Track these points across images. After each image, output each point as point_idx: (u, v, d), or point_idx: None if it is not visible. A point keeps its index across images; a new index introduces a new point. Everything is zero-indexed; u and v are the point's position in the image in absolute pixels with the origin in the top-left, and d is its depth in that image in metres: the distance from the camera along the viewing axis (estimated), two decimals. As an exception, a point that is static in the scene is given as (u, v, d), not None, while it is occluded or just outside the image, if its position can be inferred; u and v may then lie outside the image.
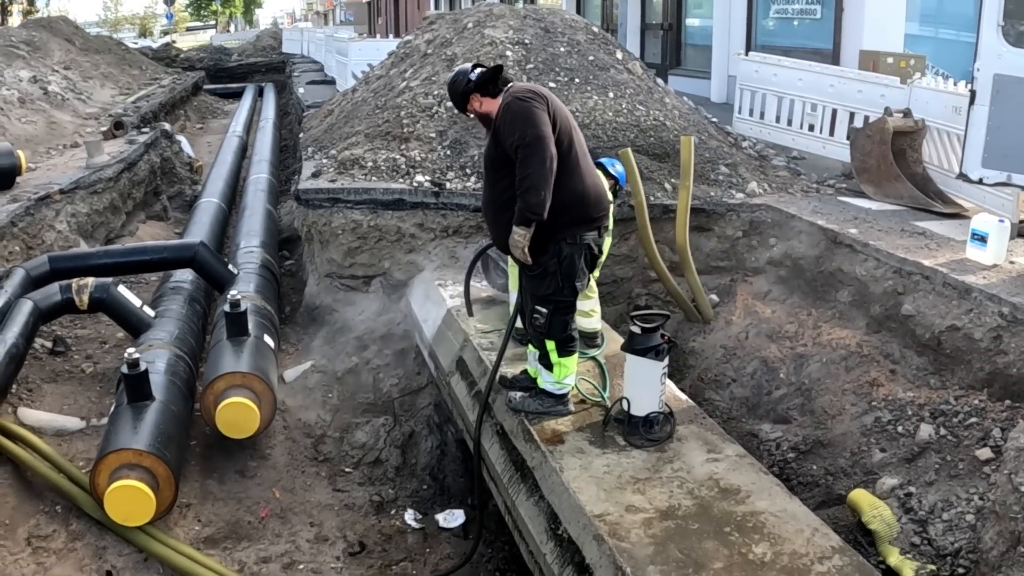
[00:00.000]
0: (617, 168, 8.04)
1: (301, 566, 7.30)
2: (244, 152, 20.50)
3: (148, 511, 6.63)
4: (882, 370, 7.98)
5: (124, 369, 7.18)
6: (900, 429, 7.25)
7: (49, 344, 9.66)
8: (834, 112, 12.92)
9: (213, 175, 17.67)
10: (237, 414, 7.64)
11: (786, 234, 9.89)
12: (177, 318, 9.27)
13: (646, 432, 6.22)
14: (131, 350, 7.37)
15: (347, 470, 8.68)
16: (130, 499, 6.55)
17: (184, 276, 10.48)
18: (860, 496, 6.68)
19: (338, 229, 10.45)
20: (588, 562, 5.15)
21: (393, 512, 8.29)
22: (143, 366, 7.21)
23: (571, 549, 5.37)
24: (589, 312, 7.73)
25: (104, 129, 17.69)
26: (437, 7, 40.87)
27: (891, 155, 10.59)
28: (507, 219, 5.91)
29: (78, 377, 8.96)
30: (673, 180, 10.52)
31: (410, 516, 8.23)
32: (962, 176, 9.14)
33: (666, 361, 6.23)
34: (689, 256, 9.59)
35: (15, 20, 40.16)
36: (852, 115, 12.45)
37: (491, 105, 6.03)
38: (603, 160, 7.99)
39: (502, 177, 5.93)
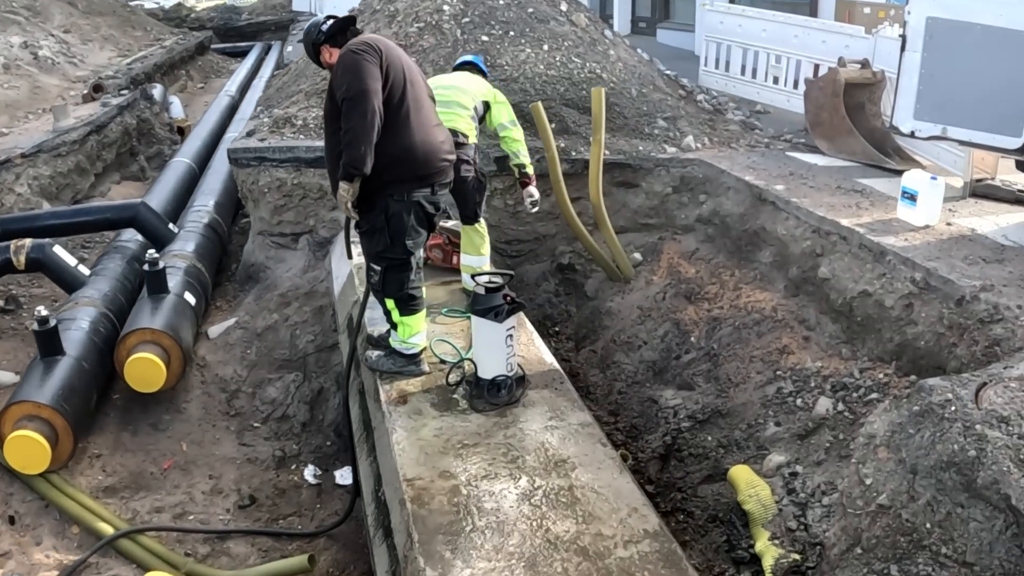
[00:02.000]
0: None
1: (191, 516, 7.25)
2: (233, 112, 19.82)
3: (44, 460, 6.72)
4: (795, 336, 7.20)
5: (34, 326, 7.29)
6: (799, 402, 6.50)
7: (2, 303, 9.77)
8: (799, 64, 12.01)
9: (192, 135, 17.04)
10: (143, 369, 7.59)
11: (716, 190, 9.08)
12: (113, 277, 9.19)
13: (490, 396, 5.69)
14: (40, 307, 7.49)
15: (255, 425, 8.43)
16: (27, 448, 6.65)
17: (130, 236, 10.38)
18: (739, 473, 5.97)
19: (265, 187, 9.99)
20: (392, 526, 4.90)
21: (294, 467, 8.01)
22: (52, 322, 7.32)
23: (383, 512, 5.15)
24: (477, 268, 7.01)
25: (84, 92, 17.11)
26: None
27: (843, 108, 9.66)
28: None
29: (22, 334, 8.92)
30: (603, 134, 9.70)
31: (309, 472, 7.93)
32: (893, 129, 8.23)
33: (509, 323, 5.61)
34: (604, 213, 8.79)
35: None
36: (816, 67, 11.53)
37: (328, 63, 5.72)
38: (473, 59, 7.62)
39: (336, 130, 5.45)
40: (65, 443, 6.95)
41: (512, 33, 10.76)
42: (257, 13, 35.38)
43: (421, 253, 5.90)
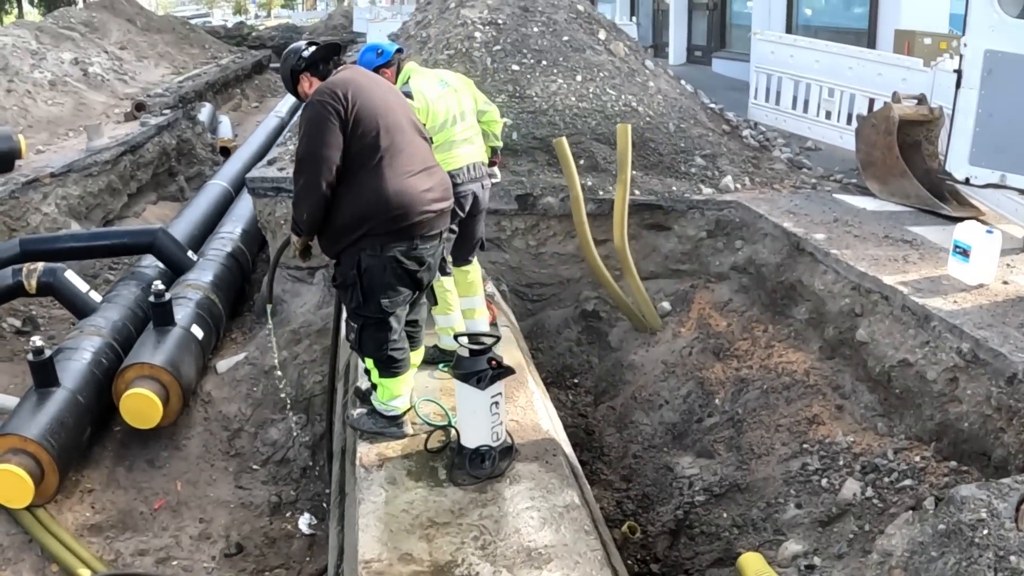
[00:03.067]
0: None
1: (175, 562, 7.09)
2: (279, 134, 19.55)
3: (27, 495, 6.67)
4: (827, 405, 6.53)
5: (29, 356, 7.24)
6: (825, 482, 5.83)
7: (18, 324, 9.99)
8: (852, 98, 11.28)
9: (234, 157, 16.83)
10: (140, 405, 7.48)
11: (752, 236, 8.41)
12: (124, 305, 9.07)
13: (472, 467, 5.05)
14: (35, 338, 7.50)
15: (254, 467, 8.13)
16: (11, 482, 6.60)
17: (150, 262, 10.27)
18: (749, 562, 5.30)
19: (281, 219, 9.59)
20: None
21: (289, 515, 7.68)
22: (47, 354, 7.29)
23: (340, 591, 4.64)
24: (449, 329, 6.37)
25: (127, 111, 16.96)
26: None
27: (897, 147, 8.87)
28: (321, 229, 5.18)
29: None
30: (634, 172, 9.09)
31: (304, 521, 7.58)
32: (945, 174, 7.51)
33: (494, 390, 4.97)
34: (629, 259, 8.17)
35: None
36: (871, 102, 10.79)
37: (302, 92, 5.23)
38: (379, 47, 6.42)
39: None
40: (51, 479, 6.88)
41: (544, 62, 10.21)
42: (318, 33, 35.37)
43: (403, 312, 5.32)
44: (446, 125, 6.07)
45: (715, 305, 8.32)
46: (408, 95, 5.82)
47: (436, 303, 6.20)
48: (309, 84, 5.09)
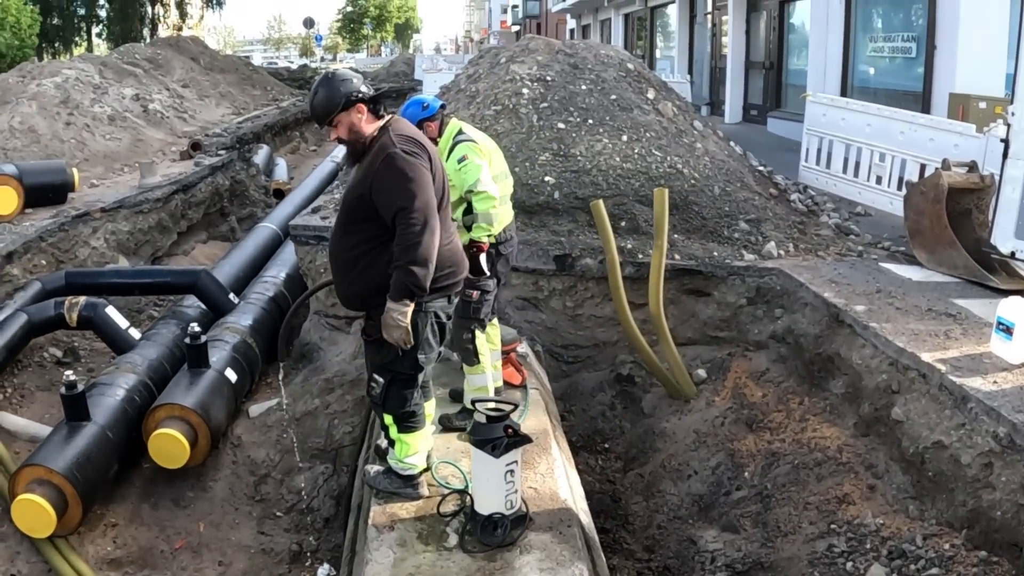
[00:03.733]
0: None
1: None
2: (333, 179, 19.78)
3: (49, 526, 6.75)
4: (858, 484, 6.37)
5: (62, 390, 7.34)
6: (850, 566, 5.69)
7: (59, 354, 10.11)
8: (904, 163, 11.14)
9: (286, 200, 17.02)
10: (167, 445, 7.57)
11: (792, 305, 8.28)
12: (163, 344, 9.21)
13: (483, 535, 4.97)
14: (68, 372, 7.69)
15: (278, 514, 8.06)
16: (34, 512, 6.70)
17: (192, 302, 10.45)
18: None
19: (321, 267, 9.67)
20: None
21: (309, 564, 7.57)
22: (79, 388, 7.40)
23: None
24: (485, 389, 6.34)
25: (183, 150, 17.28)
26: (575, 37, 39.88)
27: (945, 216, 8.69)
28: (355, 276, 5.04)
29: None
30: (676, 235, 9.05)
31: (323, 572, 7.39)
32: (989, 247, 7.35)
33: (509, 458, 4.91)
34: (664, 326, 8.10)
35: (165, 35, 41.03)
36: (923, 167, 10.64)
37: (369, 127, 4.97)
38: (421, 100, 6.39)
39: (359, 230, 4.97)
40: (74, 512, 6.96)
41: (591, 121, 10.22)
42: (380, 79, 35.89)
43: (430, 369, 5.33)
44: (501, 177, 6.23)
45: (751, 374, 8.20)
46: (472, 140, 6.04)
47: (477, 361, 6.20)
48: (363, 119, 4.92)
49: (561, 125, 10.14)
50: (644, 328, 8.34)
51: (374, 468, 5.63)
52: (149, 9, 49.44)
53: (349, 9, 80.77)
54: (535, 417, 6.50)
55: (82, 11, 49.18)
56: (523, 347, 7.94)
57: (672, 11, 28.13)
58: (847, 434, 6.87)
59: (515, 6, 70.26)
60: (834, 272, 8.60)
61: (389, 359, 5.06)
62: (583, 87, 10.72)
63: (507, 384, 6.91)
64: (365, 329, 5.17)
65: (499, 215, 6.07)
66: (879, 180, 11.63)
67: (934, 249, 8.88)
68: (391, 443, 5.41)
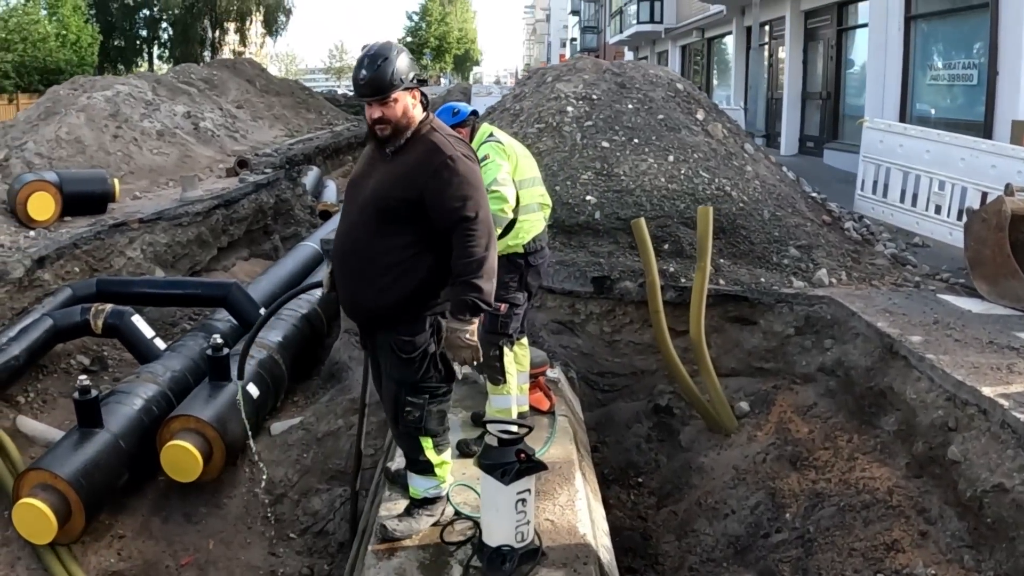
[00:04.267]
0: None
1: None
2: (380, 200, 19.65)
3: (49, 533, 6.58)
4: (909, 530, 5.85)
5: (75, 395, 7.18)
6: (898, 620, 5.16)
7: (87, 362, 10.02)
8: (964, 191, 10.60)
9: (332, 220, 16.86)
10: (179, 457, 7.32)
11: (843, 335, 7.79)
12: (188, 356, 9.04)
13: (489, 568, 4.53)
14: (82, 377, 7.51)
15: (292, 535, 7.69)
16: (35, 518, 6.53)
17: (223, 315, 10.27)
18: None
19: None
20: None
21: None
22: (93, 394, 7.24)
23: None
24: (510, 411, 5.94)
25: (229, 167, 17.18)
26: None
27: (1008, 245, 8.22)
28: (387, 285, 4.48)
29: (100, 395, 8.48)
30: (721, 260, 8.61)
31: None
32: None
33: (520, 486, 4.46)
34: (705, 354, 7.63)
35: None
36: (984, 196, 10.09)
37: (410, 117, 4.46)
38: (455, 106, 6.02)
39: (395, 232, 4.45)
40: (77, 519, 6.81)
41: (636, 140, 9.84)
42: (436, 107, 35.89)
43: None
44: (532, 183, 5.85)
45: (797, 409, 7.69)
46: (498, 142, 5.69)
47: (503, 380, 5.81)
48: (415, 104, 4.47)
49: (605, 144, 9.77)
50: (685, 357, 7.89)
51: (398, 524, 4.95)
52: (210, 33, 50.05)
53: (409, 40, 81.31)
54: (561, 446, 6.07)
55: (144, 32, 50.03)
56: (555, 372, 7.53)
57: (729, 42, 27.79)
58: (898, 475, 6.35)
59: (573, 39, 70.49)
60: (889, 302, 8.11)
61: (429, 374, 4.65)
62: (629, 106, 10.36)
63: (534, 410, 6.51)
64: (396, 346, 4.60)
65: (529, 224, 5.75)
66: (938, 209, 11.08)
67: (996, 279, 8.38)
68: (422, 469, 4.89)
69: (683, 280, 8.32)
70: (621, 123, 10.07)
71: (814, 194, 11.10)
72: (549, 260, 6.22)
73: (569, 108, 10.30)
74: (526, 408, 6.30)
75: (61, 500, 6.67)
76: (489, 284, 4.32)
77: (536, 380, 6.58)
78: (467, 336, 4.35)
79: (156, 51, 51.30)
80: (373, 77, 4.30)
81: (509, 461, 4.43)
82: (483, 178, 5.03)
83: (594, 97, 10.48)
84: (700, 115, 10.66)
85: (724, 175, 9.64)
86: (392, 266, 4.45)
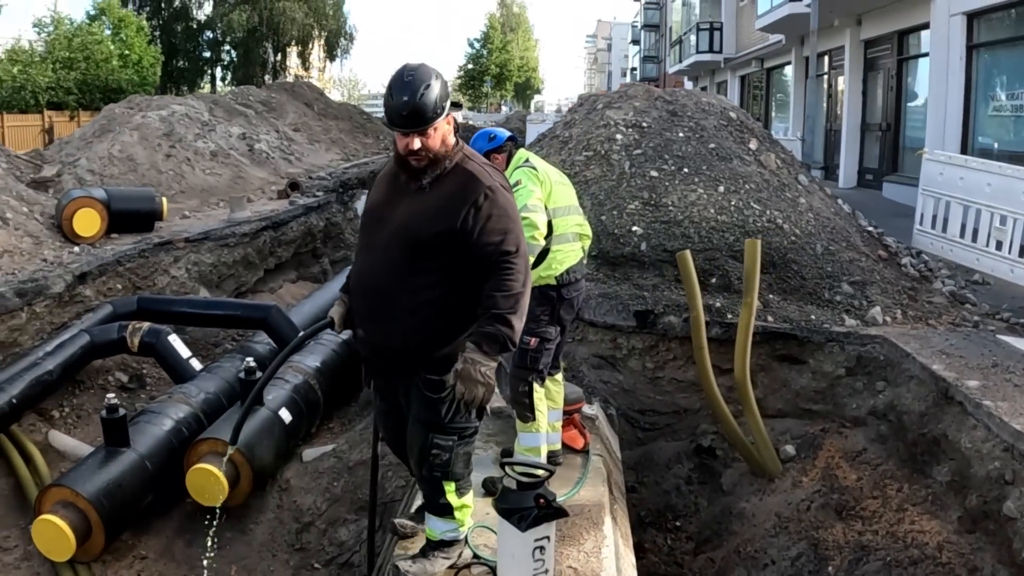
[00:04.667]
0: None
1: None
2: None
3: (67, 550, 6.54)
4: (959, 590, 5.49)
5: (103, 413, 7.14)
6: None
7: (125, 379, 10.00)
8: (1027, 227, 10.17)
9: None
10: (205, 481, 7.18)
11: (896, 378, 7.42)
12: (223, 378, 8.93)
13: None
14: (110, 395, 7.48)
15: (316, 566, 7.53)
16: (54, 534, 6.49)
17: (263, 338, 10.19)
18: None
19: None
20: None
21: None
22: (120, 412, 7.20)
23: None
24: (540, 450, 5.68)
25: (280, 189, 17.13)
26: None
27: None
28: (417, 324, 4.19)
29: (130, 414, 8.47)
30: (771, 295, 8.29)
31: None
32: None
33: (538, 533, 4.19)
34: (749, 393, 7.30)
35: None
36: (1050, 232, 9.69)
37: (448, 146, 4.18)
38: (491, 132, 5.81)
39: (429, 269, 4.16)
40: (97, 538, 6.77)
41: (686, 170, 9.56)
42: (494, 135, 35.91)
43: None
44: (567, 213, 5.56)
45: (846, 454, 7.31)
46: (532, 167, 5.43)
47: (532, 417, 5.55)
48: (449, 130, 4.18)
49: (654, 173, 9.51)
50: (729, 396, 7.58)
51: (411, 566, 4.66)
52: (272, 57, 50.51)
53: (470, 67, 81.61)
54: (592, 487, 5.78)
55: (207, 55, 50.65)
56: (593, 409, 7.26)
57: (788, 72, 27.40)
58: (949, 529, 5.97)
59: (634, 69, 70.36)
60: (946, 343, 7.71)
61: (453, 417, 4.33)
62: (680, 134, 10.09)
63: (567, 448, 6.24)
64: (425, 386, 4.29)
65: (563, 254, 5.48)
66: (999, 245, 10.60)
67: (1061, 321, 7.97)
68: (442, 512, 4.57)
69: (729, 316, 8.01)
70: (671, 152, 9.80)
71: (870, 228, 10.72)
72: (586, 293, 5.98)
73: (618, 136, 10.06)
74: (558, 446, 6.04)
75: (81, 518, 6.62)
76: (520, 323, 4.04)
77: (570, 417, 6.31)
78: (485, 371, 4.03)
79: (219, 73, 51.88)
80: (416, 107, 3.98)
81: (527, 507, 4.16)
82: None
83: (644, 125, 10.23)
84: (753, 144, 10.35)
85: (776, 207, 9.32)
86: (422, 304, 4.17)
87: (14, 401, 8.04)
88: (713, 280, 8.42)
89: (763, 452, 7.45)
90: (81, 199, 11.83)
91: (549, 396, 5.78)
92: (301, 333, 4.82)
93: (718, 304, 8.17)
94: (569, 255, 5.55)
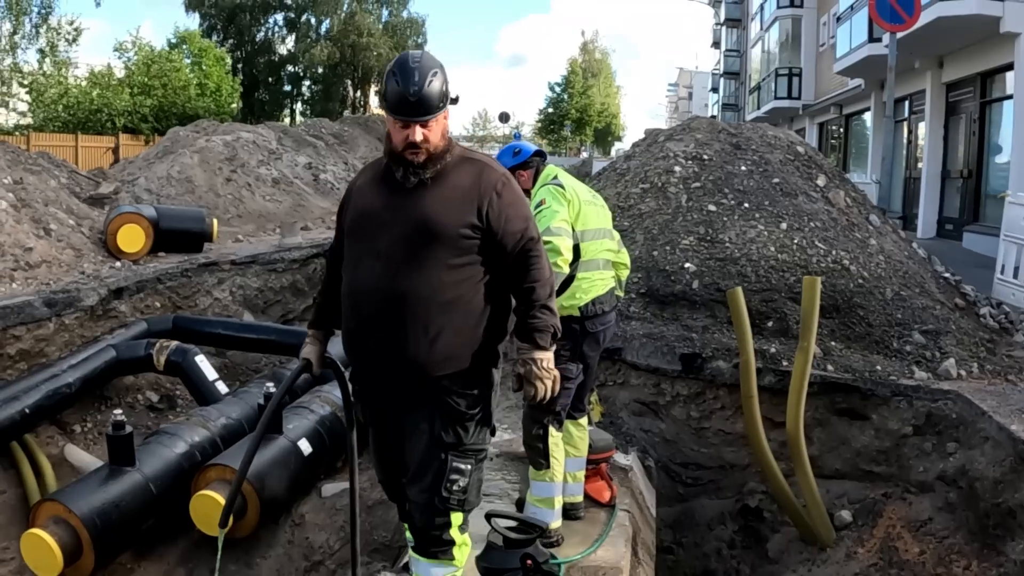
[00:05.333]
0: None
1: None
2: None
3: (54, 568, 6.23)
4: None
5: (109, 430, 6.86)
6: None
7: (155, 398, 9.78)
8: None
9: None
10: (208, 509, 6.67)
11: (970, 439, 6.56)
12: (247, 403, 8.44)
13: None
14: (117, 411, 7.10)
15: (320, 608, 7.07)
16: (42, 551, 6.20)
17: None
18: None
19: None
20: None
21: None
22: (127, 430, 6.85)
23: None
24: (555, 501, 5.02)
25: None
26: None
27: None
28: (440, 328, 3.68)
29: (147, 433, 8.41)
30: (832, 342, 7.50)
31: None
32: None
33: None
34: (802, 451, 6.51)
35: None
36: None
37: (447, 140, 3.82)
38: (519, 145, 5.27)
39: (450, 265, 3.71)
40: (87, 559, 6.43)
41: (746, 205, 8.83)
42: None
43: None
44: (596, 236, 4.96)
45: (909, 523, 6.46)
46: (559, 185, 4.89)
47: (546, 465, 4.90)
48: (447, 124, 3.86)
49: (712, 207, 8.80)
50: (780, 452, 6.82)
51: None
52: (351, 92, 50.96)
53: (550, 110, 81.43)
54: (612, 547, 5.06)
55: (287, 88, 51.33)
56: (628, 459, 6.56)
57: (867, 118, 26.55)
58: (1026, 617, 5.14)
59: (713, 116, 69.72)
60: (1027, 401, 6.83)
61: (482, 435, 3.91)
62: (743, 168, 9.38)
63: (591, 500, 5.55)
64: (455, 403, 3.78)
65: (589, 283, 4.89)
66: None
67: None
68: (445, 547, 3.94)
69: (785, 363, 7.22)
70: (731, 185, 9.10)
71: (947, 275, 9.82)
72: (614, 327, 5.29)
73: (677, 168, 9.39)
74: (579, 498, 5.37)
75: (71, 536, 6.30)
76: (556, 307, 3.83)
77: (597, 467, 5.62)
78: (547, 364, 3.76)
79: (299, 108, 52.53)
80: (426, 94, 3.62)
81: (512, 568, 3.51)
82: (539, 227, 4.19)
83: (705, 157, 9.55)
84: (821, 181, 9.58)
85: (843, 247, 8.53)
86: (452, 305, 3.71)
87: (27, 411, 7.79)
88: (769, 323, 7.67)
89: (815, 517, 6.63)
90: (127, 215, 11.56)
91: (570, 442, 5.13)
92: (276, 391, 4.22)
93: (773, 350, 7.39)
94: (596, 284, 4.91)
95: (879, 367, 7.36)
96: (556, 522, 5.00)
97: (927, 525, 6.40)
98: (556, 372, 3.79)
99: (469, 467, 3.85)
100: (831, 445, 7.18)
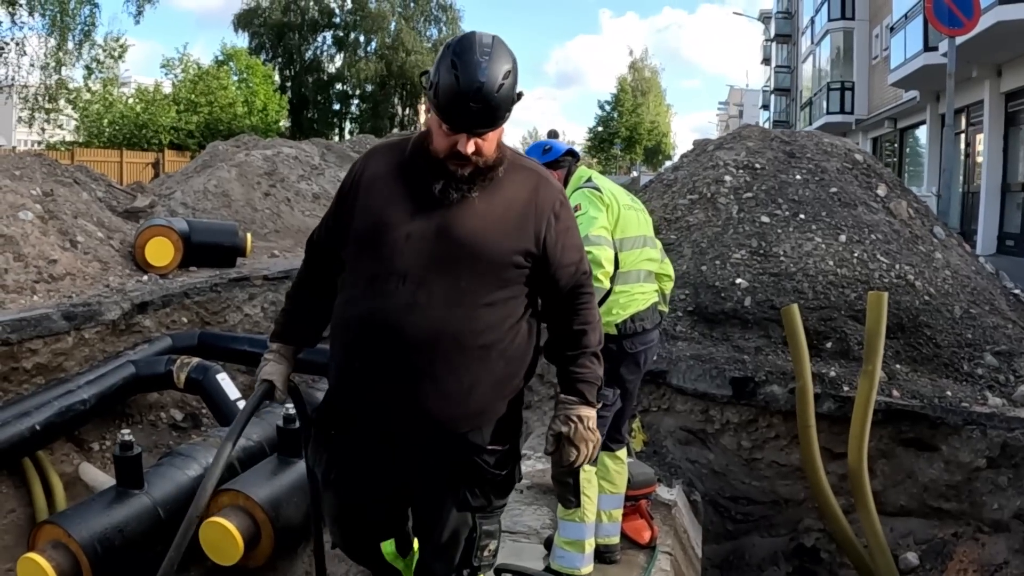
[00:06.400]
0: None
1: None
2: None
3: None
4: None
5: (116, 450, 6.58)
6: None
7: (179, 417, 9.51)
8: None
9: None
10: (219, 536, 6.29)
11: (1052, 474, 5.90)
12: (271, 424, 7.93)
13: None
14: (125, 431, 6.75)
15: (335, 650, 6.54)
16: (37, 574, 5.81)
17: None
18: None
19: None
20: None
21: None
22: (136, 451, 6.54)
23: None
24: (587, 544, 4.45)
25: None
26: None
27: None
28: (479, 376, 3.04)
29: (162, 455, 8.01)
30: (898, 365, 6.83)
31: None
32: None
33: None
34: (865, 485, 5.86)
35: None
36: None
37: (501, 150, 3.05)
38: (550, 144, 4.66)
39: (503, 299, 3.05)
40: None
41: (802, 216, 8.19)
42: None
43: None
44: (637, 245, 4.41)
45: (982, 567, 5.79)
46: (595, 188, 4.34)
47: (575, 504, 4.31)
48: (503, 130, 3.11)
49: (765, 219, 8.18)
50: (840, 487, 6.18)
51: None
52: (400, 110, 50.96)
53: (600, 128, 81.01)
54: (645, 593, 4.47)
55: (336, 107, 51.46)
56: (672, 493, 5.96)
57: (922, 132, 25.80)
58: None
59: (765, 132, 69.02)
60: (1114, 432, 6.13)
61: (509, 485, 3.34)
62: (797, 177, 8.74)
63: (628, 540, 4.96)
64: (487, 463, 3.18)
65: (627, 297, 4.34)
66: None
67: None
68: None
69: (846, 388, 6.55)
70: (785, 195, 8.47)
71: (1017, 291, 9.09)
72: (657, 348, 4.71)
73: (727, 177, 8.80)
74: (615, 540, 4.79)
75: (70, 563, 5.93)
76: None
77: (636, 504, 5.03)
78: (593, 424, 3.17)
79: (348, 126, 52.69)
80: (493, 99, 2.80)
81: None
82: None
83: (757, 166, 8.94)
84: (881, 191, 8.91)
85: (907, 261, 7.86)
86: (485, 350, 3.03)
87: (37, 428, 7.40)
88: (828, 344, 7.02)
89: (878, 559, 5.96)
90: (156, 228, 11.19)
91: (606, 476, 4.57)
92: (242, 411, 3.59)
93: (832, 374, 6.73)
94: (636, 298, 4.33)
95: (949, 392, 6.67)
96: (587, 568, 4.44)
97: (1003, 569, 5.76)
98: (599, 436, 3.21)
99: (495, 528, 3.35)
100: (896, 479, 6.50)
